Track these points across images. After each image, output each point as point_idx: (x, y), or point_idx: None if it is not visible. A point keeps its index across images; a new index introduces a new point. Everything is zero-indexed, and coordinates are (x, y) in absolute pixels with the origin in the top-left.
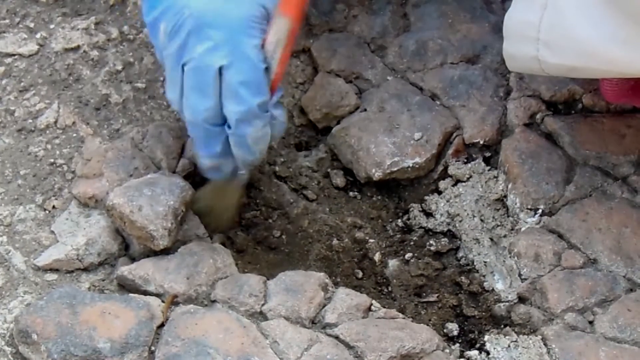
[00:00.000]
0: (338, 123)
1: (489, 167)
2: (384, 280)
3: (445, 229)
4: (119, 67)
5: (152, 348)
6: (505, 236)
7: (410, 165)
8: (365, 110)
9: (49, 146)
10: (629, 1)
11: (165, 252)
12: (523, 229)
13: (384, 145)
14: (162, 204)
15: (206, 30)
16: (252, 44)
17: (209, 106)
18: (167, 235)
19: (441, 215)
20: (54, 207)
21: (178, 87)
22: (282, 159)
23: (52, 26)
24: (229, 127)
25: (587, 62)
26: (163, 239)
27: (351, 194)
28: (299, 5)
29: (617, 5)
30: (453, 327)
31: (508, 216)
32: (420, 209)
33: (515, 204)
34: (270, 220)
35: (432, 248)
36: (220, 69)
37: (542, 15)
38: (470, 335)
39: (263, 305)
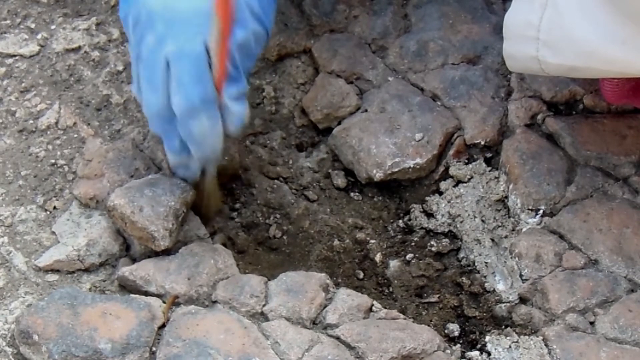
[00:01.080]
0: (339, 124)
1: (490, 168)
2: (385, 280)
3: (446, 230)
4: (120, 68)
5: (153, 349)
6: (506, 237)
7: (411, 165)
8: (366, 110)
9: (50, 147)
10: (627, 1)
11: (166, 252)
12: (524, 229)
13: (384, 146)
14: (162, 204)
15: (155, 23)
16: (197, 39)
17: (160, 100)
18: (168, 235)
19: (442, 216)
20: (55, 207)
21: (136, 81)
22: (282, 160)
23: (53, 27)
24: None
25: (587, 62)
26: (164, 239)
27: (352, 194)
28: (225, 5)
29: (616, 5)
30: (454, 328)
31: (509, 217)
32: (421, 210)
33: (516, 204)
34: (271, 221)
35: (433, 249)
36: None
37: (542, 15)
38: (471, 335)
39: (264, 305)
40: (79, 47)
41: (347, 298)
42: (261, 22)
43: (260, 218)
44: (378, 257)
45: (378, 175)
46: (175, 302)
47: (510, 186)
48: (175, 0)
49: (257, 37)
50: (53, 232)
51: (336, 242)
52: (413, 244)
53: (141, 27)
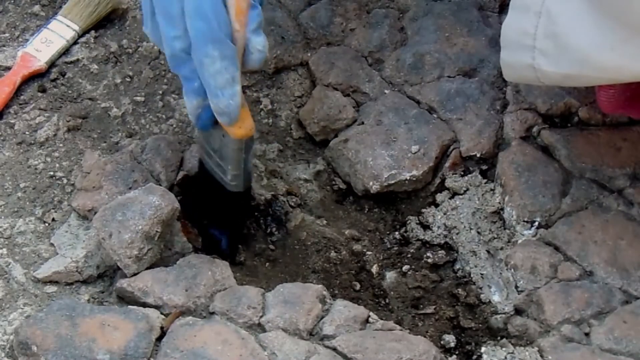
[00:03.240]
0: (336, 136)
1: (485, 180)
2: (382, 292)
3: (443, 242)
4: (118, 81)
5: (151, 359)
6: (501, 248)
7: (408, 178)
8: (362, 123)
9: (48, 159)
10: (616, 6)
11: (165, 264)
12: (519, 241)
13: (381, 158)
14: (130, 229)
15: None
16: None
17: (179, 33)
18: (131, 263)
19: (438, 227)
20: (53, 219)
21: (149, 19)
22: (279, 172)
23: None
24: None
25: (580, 70)
26: (127, 268)
27: (349, 206)
28: None
29: (606, 10)
30: (450, 339)
31: (505, 229)
32: (418, 222)
33: (512, 216)
34: (268, 233)
35: (429, 260)
36: None
37: (537, 23)
38: (467, 346)
39: (261, 317)
40: (78, 60)
41: (343, 309)
42: None
43: (258, 230)
44: (374, 269)
45: (374, 187)
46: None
47: (506, 198)
48: None
49: None
50: (52, 244)
51: (333, 253)
52: (409, 255)
53: None
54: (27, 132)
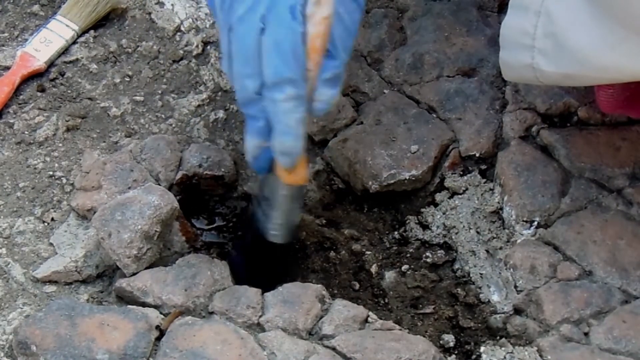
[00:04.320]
0: (335, 136)
1: (484, 180)
2: (381, 292)
3: (442, 241)
4: (117, 80)
5: (151, 359)
6: (501, 248)
7: (407, 177)
8: (362, 123)
9: (47, 159)
10: (614, 5)
11: (164, 263)
12: (519, 241)
13: (380, 158)
14: (129, 229)
15: None
16: (288, 4)
17: (253, 71)
18: (130, 263)
19: (437, 227)
20: (52, 219)
21: (227, 57)
22: None
23: None
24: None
25: (579, 70)
26: (126, 267)
27: (348, 206)
28: None
29: (604, 10)
30: (449, 339)
31: (504, 228)
32: (417, 221)
33: (511, 216)
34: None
35: (428, 260)
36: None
37: (537, 23)
38: (466, 346)
39: (260, 316)
40: (77, 60)
41: (343, 309)
42: None
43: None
44: (374, 269)
45: (374, 187)
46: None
47: (505, 198)
48: None
49: (350, 13)
50: (51, 244)
51: (332, 253)
52: (408, 255)
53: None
54: (26, 132)
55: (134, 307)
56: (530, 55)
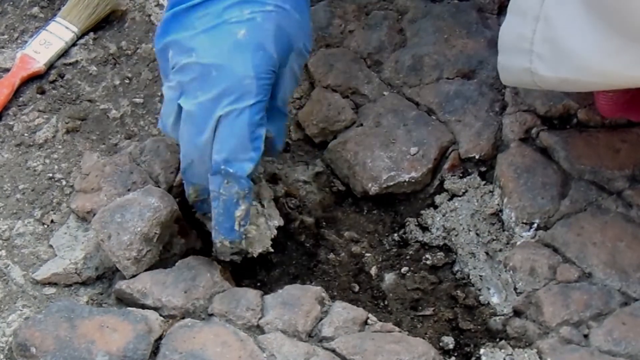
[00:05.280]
0: (334, 138)
1: (484, 182)
2: (380, 294)
3: (441, 243)
4: (117, 82)
5: None
6: (500, 250)
7: (407, 179)
8: (361, 125)
9: (47, 161)
10: (613, 13)
11: (163, 265)
12: (518, 243)
13: (380, 160)
14: (128, 231)
15: (209, 81)
16: (251, 100)
17: (204, 142)
18: (130, 265)
19: (437, 229)
20: (52, 221)
21: (173, 117)
22: (278, 174)
23: None
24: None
25: (578, 75)
26: (126, 269)
27: (348, 208)
28: None
29: (603, 17)
30: (449, 341)
31: (503, 230)
32: (417, 223)
33: (511, 218)
34: None
35: (428, 262)
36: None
37: (535, 28)
38: (465, 348)
39: (260, 318)
40: (77, 62)
41: (342, 311)
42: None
43: None
44: (373, 271)
45: (373, 189)
46: (172, 316)
47: (505, 200)
48: (231, 60)
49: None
50: (50, 246)
51: (331, 255)
52: (408, 257)
53: (188, 76)
54: (26, 134)
55: (134, 309)
56: (529, 59)
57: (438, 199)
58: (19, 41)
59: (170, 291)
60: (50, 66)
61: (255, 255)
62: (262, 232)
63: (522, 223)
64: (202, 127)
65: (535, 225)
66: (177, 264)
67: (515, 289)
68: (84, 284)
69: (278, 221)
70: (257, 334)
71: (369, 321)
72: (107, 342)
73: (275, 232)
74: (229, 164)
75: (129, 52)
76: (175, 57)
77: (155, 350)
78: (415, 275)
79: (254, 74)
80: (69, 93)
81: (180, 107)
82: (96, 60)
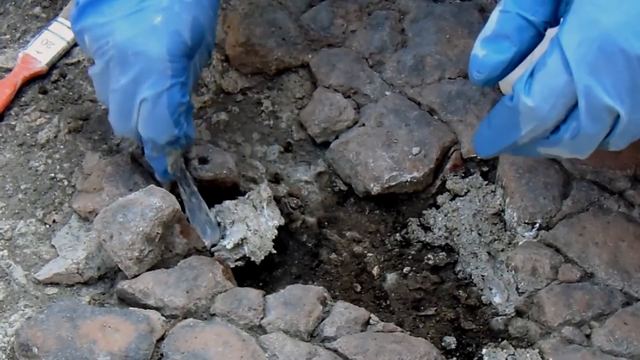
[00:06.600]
0: (337, 138)
1: (486, 182)
2: (383, 294)
3: (443, 243)
4: None
5: None
6: (502, 250)
7: (409, 179)
8: (363, 125)
9: (49, 161)
10: None
11: (165, 265)
12: (520, 243)
13: (382, 160)
14: (130, 231)
15: (127, 64)
16: (167, 83)
17: (130, 129)
18: (132, 265)
19: (439, 229)
20: (54, 221)
21: (103, 98)
22: (280, 174)
23: None
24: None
25: None
26: (128, 269)
27: (350, 208)
28: None
29: None
30: (451, 341)
31: (505, 230)
32: (419, 223)
33: (513, 218)
34: None
35: (430, 262)
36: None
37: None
38: (468, 348)
39: (262, 318)
40: (79, 62)
41: (344, 311)
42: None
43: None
44: (375, 271)
45: (375, 189)
46: (174, 316)
47: (507, 200)
48: (147, 42)
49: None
50: (52, 246)
51: (333, 255)
52: (410, 257)
53: (107, 58)
54: (28, 134)
55: (136, 309)
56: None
57: (440, 199)
58: (21, 41)
59: (172, 291)
60: (52, 66)
61: (258, 263)
62: (263, 236)
63: (524, 223)
64: (128, 111)
65: (537, 225)
66: (179, 264)
67: (517, 289)
68: (86, 284)
69: (278, 221)
70: (259, 334)
71: (371, 321)
72: (109, 342)
73: (275, 232)
74: (155, 140)
75: None
76: (94, 43)
77: (158, 351)
78: (417, 275)
79: (168, 57)
80: (70, 93)
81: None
82: None
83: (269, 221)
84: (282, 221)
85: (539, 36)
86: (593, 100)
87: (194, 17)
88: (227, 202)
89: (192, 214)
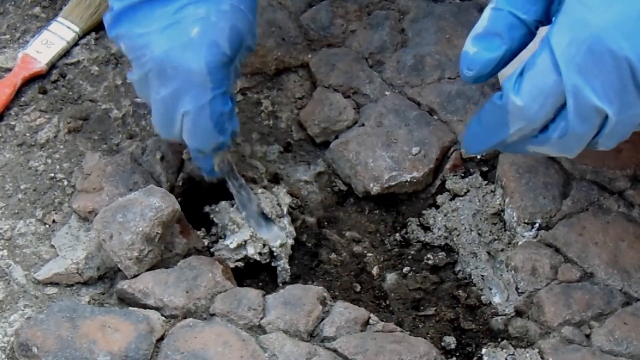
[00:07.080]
0: (336, 138)
1: (486, 182)
2: (382, 293)
3: (443, 243)
4: (119, 82)
5: None
6: (502, 250)
7: (408, 179)
8: (363, 125)
9: (49, 161)
10: None
11: (165, 265)
12: (520, 242)
13: (382, 160)
14: (130, 231)
15: (166, 77)
16: (209, 95)
17: (174, 136)
18: (131, 265)
19: (439, 229)
20: (54, 221)
21: (145, 101)
22: (280, 174)
23: None
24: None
25: None
26: (127, 269)
27: (349, 208)
28: None
29: None
30: (450, 341)
31: (505, 230)
32: (418, 223)
33: (512, 218)
34: None
35: (429, 262)
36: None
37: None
38: (467, 348)
39: (262, 318)
40: (78, 62)
41: (344, 311)
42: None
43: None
44: (375, 270)
45: (375, 188)
46: (173, 316)
47: (507, 200)
48: (184, 55)
49: None
50: (52, 246)
51: (333, 255)
52: (410, 257)
53: (146, 69)
54: (27, 134)
55: (135, 309)
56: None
57: (440, 198)
58: (21, 41)
59: (172, 291)
60: (52, 66)
61: (263, 263)
62: (284, 228)
63: (524, 223)
64: (170, 121)
65: (537, 225)
66: (178, 263)
67: (517, 288)
68: (85, 283)
69: (290, 235)
70: (259, 334)
71: (370, 321)
72: (108, 342)
73: (292, 241)
74: (200, 149)
75: None
76: (131, 52)
77: (157, 351)
78: (417, 275)
79: (207, 70)
80: (70, 93)
81: None
82: (98, 60)
83: (289, 237)
84: (294, 234)
85: (530, 35)
86: (581, 100)
87: (231, 26)
88: (223, 203)
89: (243, 207)
